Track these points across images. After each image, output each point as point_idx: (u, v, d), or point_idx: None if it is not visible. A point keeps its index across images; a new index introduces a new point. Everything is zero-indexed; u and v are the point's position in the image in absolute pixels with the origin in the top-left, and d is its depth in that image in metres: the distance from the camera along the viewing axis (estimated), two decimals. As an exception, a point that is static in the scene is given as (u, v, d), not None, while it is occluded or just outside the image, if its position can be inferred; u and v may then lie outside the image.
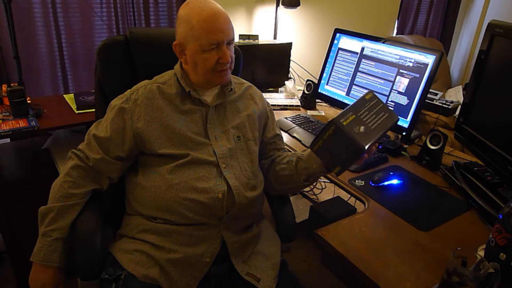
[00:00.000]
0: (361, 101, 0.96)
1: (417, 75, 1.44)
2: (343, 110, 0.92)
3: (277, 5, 2.49)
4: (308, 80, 1.96)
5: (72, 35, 1.99)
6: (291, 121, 1.71)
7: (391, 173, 1.27)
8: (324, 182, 2.70)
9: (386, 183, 1.24)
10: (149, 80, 1.10)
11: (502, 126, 1.15)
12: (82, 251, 1.00)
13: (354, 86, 1.67)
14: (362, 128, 0.90)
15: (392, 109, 1.51)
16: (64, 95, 1.81)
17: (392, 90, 1.52)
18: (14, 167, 1.62)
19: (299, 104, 1.97)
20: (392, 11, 3.30)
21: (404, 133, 1.47)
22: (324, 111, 1.95)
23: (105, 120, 1.05)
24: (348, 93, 1.69)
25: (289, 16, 2.65)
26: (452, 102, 1.88)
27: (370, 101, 0.97)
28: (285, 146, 1.24)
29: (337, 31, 1.77)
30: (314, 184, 2.67)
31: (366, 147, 0.89)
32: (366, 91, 1.00)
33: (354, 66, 1.67)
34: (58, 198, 1.00)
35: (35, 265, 0.97)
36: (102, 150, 1.02)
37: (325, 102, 1.99)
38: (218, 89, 1.11)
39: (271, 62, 2.24)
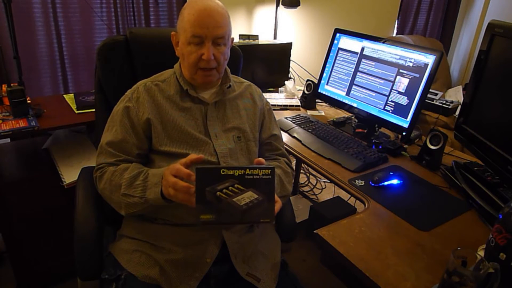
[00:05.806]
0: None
1: (417, 75, 1.44)
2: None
3: (277, 5, 2.49)
4: (308, 80, 1.96)
5: (72, 35, 1.99)
6: (291, 121, 1.71)
7: (391, 173, 1.27)
8: (324, 182, 2.70)
9: (386, 183, 1.23)
10: (147, 79, 1.10)
11: (502, 126, 1.15)
12: (82, 251, 1.00)
13: (354, 86, 1.67)
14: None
15: (392, 109, 1.51)
16: (64, 95, 1.81)
17: (392, 90, 1.52)
18: (14, 167, 1.62)
19: (299, 104, 1.97)
20: (392, 11, 3.30)
21: (404, 133, 1.47)
22: (324, 111, 1.95)
23: (113, 125, 1.04)
24: (348, 93, 1.69)
25: (289, 16, 2.65)
26: (452, 102, 1.88)
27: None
28: (284, 147, 1.23)
29: (337, 31, 1.77)
30: (314, 184, 2.67)
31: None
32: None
33: (354, 66, 1.67)
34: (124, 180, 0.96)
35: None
36: (121, 153, 1.02)
37: (325, 102, 1.99)
38: (217, 87, 1.11)
39: (271, 62, 2.23)
